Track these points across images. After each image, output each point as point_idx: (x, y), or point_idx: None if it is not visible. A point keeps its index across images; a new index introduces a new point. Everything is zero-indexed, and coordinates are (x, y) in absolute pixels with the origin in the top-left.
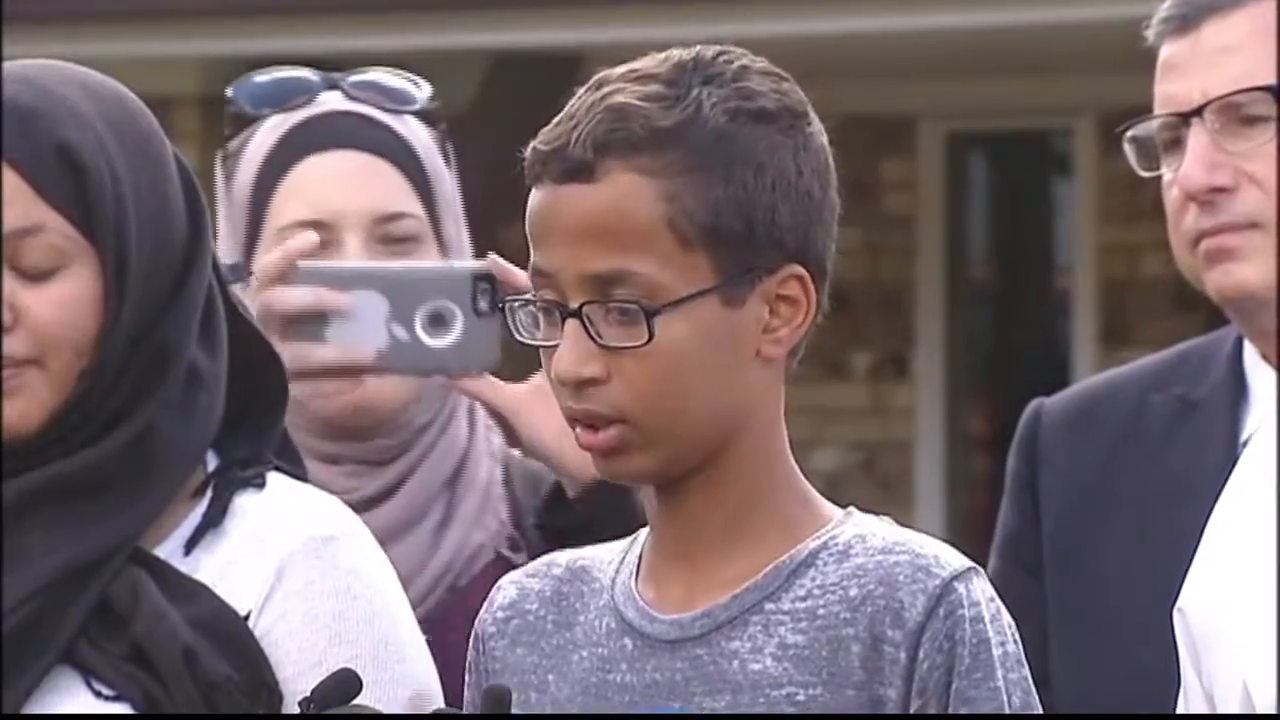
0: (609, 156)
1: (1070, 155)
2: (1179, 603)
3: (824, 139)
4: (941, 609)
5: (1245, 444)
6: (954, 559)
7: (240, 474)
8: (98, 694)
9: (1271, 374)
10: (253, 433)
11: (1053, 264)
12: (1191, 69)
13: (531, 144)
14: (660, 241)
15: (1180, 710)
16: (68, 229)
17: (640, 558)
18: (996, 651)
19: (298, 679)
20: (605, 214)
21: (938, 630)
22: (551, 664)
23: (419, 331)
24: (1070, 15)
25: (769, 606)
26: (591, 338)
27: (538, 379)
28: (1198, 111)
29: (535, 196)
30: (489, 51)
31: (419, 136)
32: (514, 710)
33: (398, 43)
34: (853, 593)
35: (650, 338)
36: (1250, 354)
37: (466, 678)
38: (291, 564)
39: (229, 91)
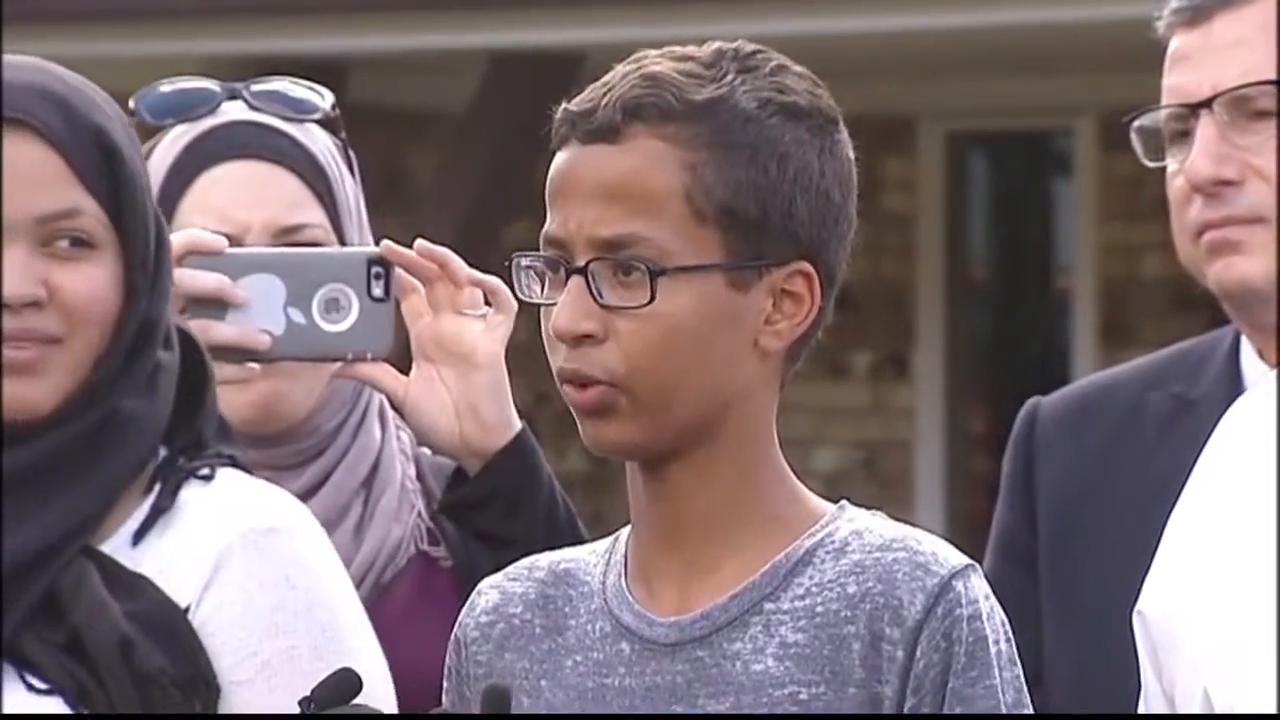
0: (637, 120)
1: (1070, 155)
2: (1139, 605)
3: (850, 150)
4: (940, 607)
5: None
6: (951, 556)
7: (186, 464)
8: (30, 687)
9: (1268, 371)
10: (188, 418)
11: (1053, 264)
12: (1202, 61)
13: (563, 105)
14: (675, 211)
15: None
16: (100, 214)
17: (626, 556)
18: (992, 650)
19: (235, 669)
20: (625, 176)
21: (935, 629)
22: (543, 669)
23: (315, 316)
24: (1070, 15)
25: (768, 606)
26: (593, 295)
27: (424, 368)
28: (1207, 103)
29: (559, 158)
30: (489, 51)
31: (321, 145)
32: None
33: (398, 43)
34: (851, 590)
35: (651, 299)
36: (1247, 352)
37: (445, 683)
38: (230, 555)
39: (131, 103)
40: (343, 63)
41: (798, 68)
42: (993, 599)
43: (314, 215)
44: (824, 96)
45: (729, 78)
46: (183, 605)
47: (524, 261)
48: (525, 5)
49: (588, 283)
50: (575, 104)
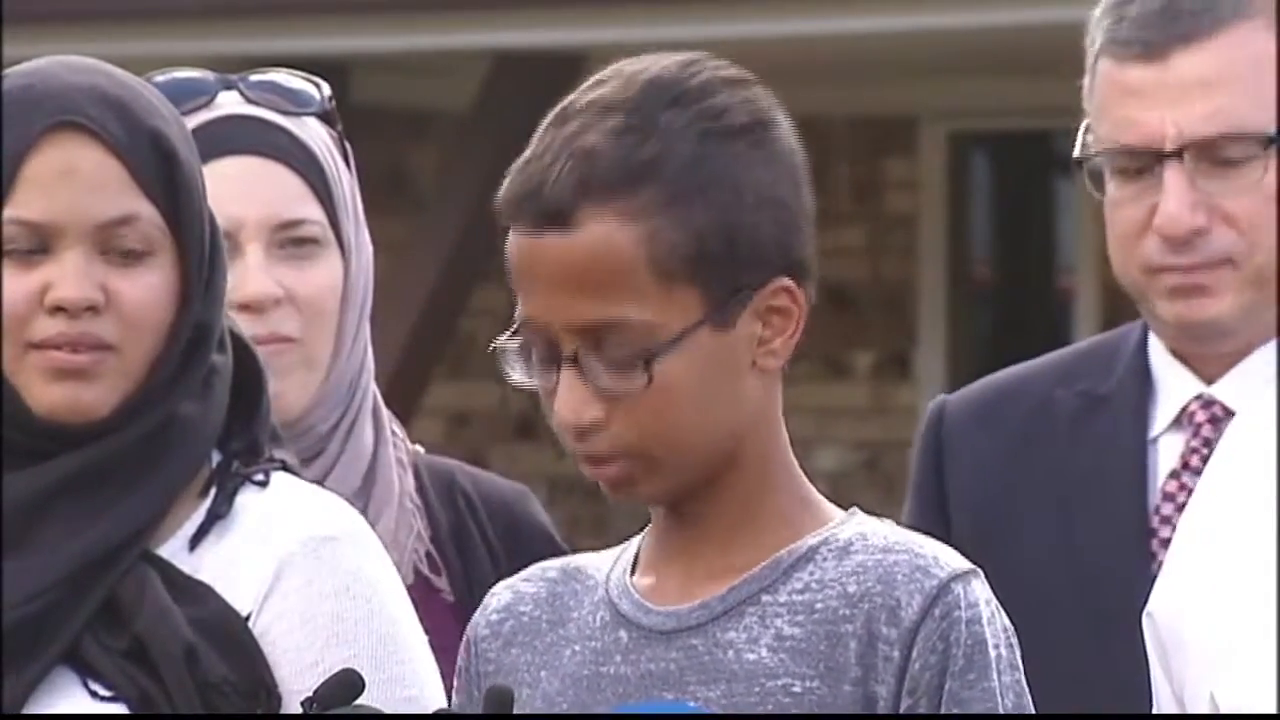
0: (585, 202)
1: (1072, 155)
2: (1148, 606)
3: (792, 139)
4: (937, 609)
5: (1154, 440)
6: (953, 560)
7: (242, 469)
8: (94, 694)
9: (1180, 370)
10: (244, 421)
11: (1055, 264)
12: (1160, 100)
13: (504, 184)
14: (646, 283)
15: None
16: (157, 219)
17: (637, 554)
18: (992, 654)
19: (295, 679)
20: (587, 263)
21: (932, 630)
22: (544, 660)
23: None
24: (1073, 15)
25: (766, 598)
26: (588, 381)
27: None
28: (1177, 154)
29: (514, 241)
30: (490, 51)
31: (317, 139)
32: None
33: (398, 43)
34: (851, 589)
35: (649, 382)
36: (1156, 349)
37: (455, 682)
38: (291, 564)
39: None
40: (344, 63)
41: (724, 72)
42: (994, 604)
43: (311, 211)
44: (756, 97)
45: (660, 121)
46: (243, 613)
47: (506, 344)
48: (526, 6)
49: (580, 372)
50: (516, 184)
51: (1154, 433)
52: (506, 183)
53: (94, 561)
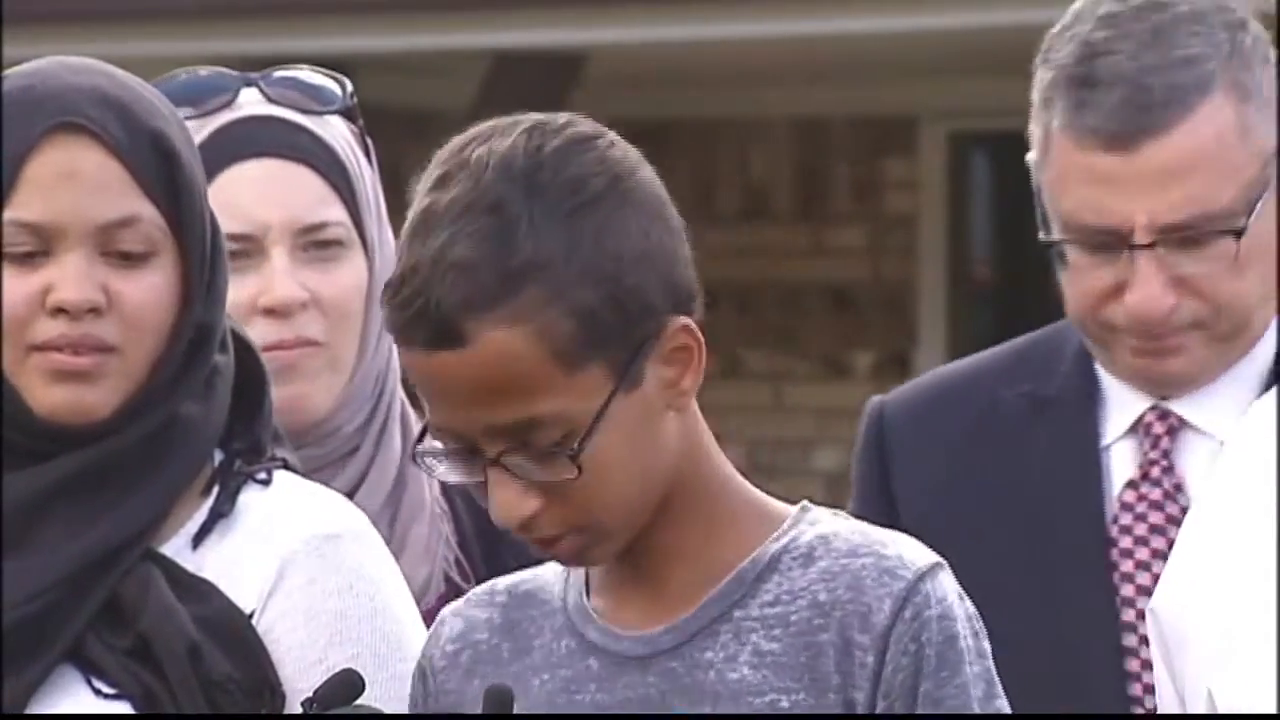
0: (471, 317)
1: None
2: (1151, 602)
3: (647, 173)
4: (908, 611)
5: (1107, 448)
6: (917, 557)
7: (245, 468)
8: (98, 692)
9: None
10: (246, 421)
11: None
12: (1130, 190)
13: (384, 301)
14: (551, 376)
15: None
16: (158, 219)
17: (586, 573)
18: (961, 645)
19: (298, 677)
20: (489, 374)
21: (903, 633)
22: (513, 690)
23: None
24: None
25: (737, 614)
26: (519, 476)
27: None
28: (1150, 245)
29: (409, 358)
30: (490, 51)
31: (339, 137)
32: None
33: (398, 43)
34: (822, 598)
35: (580, 472)
36: None
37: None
38: (294, 562)
39: None
40: (344, 63)
41: (570, 130)
42: (960, 594)
43: (335, 213)
44: (606, 152)
45: (524, 216)
46: (246, 611)
47: (425, 451)
48: (526, 6)
49: (506, 470)
50: (397, 305)
51: (1106, 440)
52: (387, 304)
53: (95, 561)
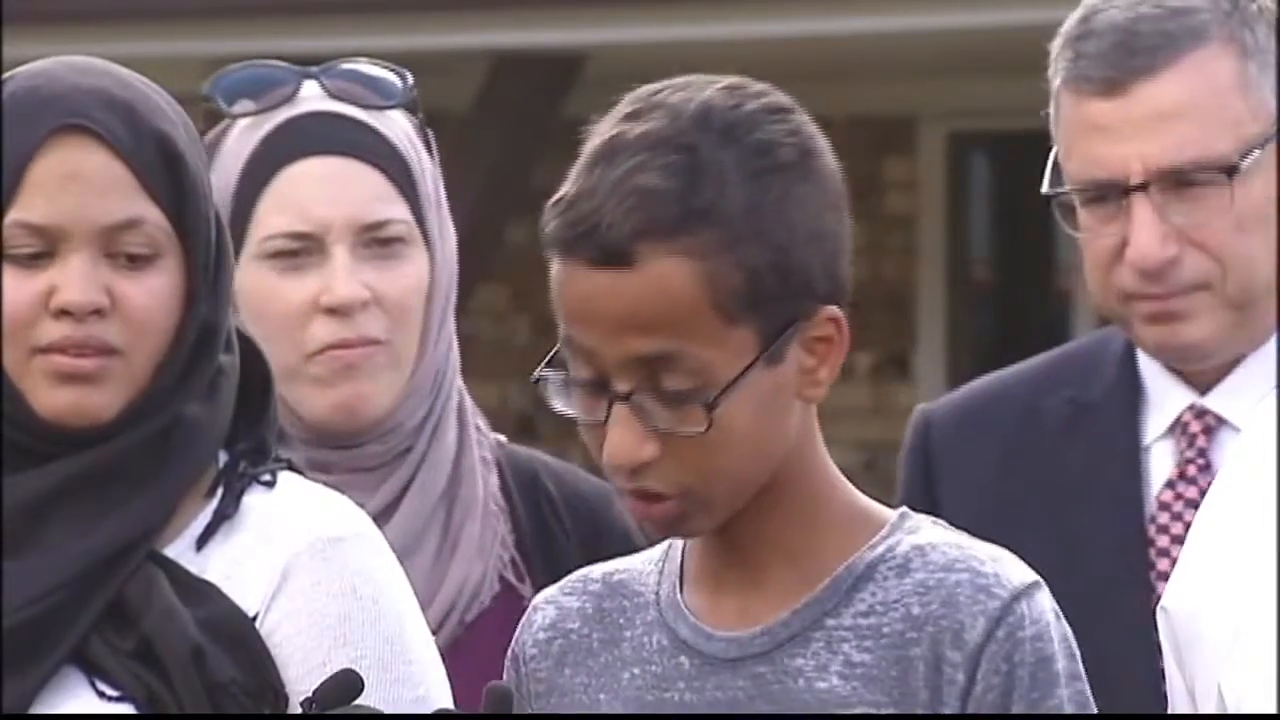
0: (646, 242)
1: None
2: (1163, 601)
3: (832, 162)
4: (1001, 631)
5: (1147, 448)
6: (1014, 575)
7: (250, 469)
8: (101, 694)
9: (1170, 379)
10: (251, 422)
11: (1054, 264)
12: (1124, 134)
13: (549, 217)
14: (705, 321)
15: (1172, 708)
16: (163, 221)
17: (681, 566)
18: (1055, 667)
19: (302, 680)
20: (649, 300)
21: (995, 653)
22: (601, 683)
23: None
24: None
25: (830, 622)
26: (644, 419)
27: None
28: (1143, 186)
29: (565, 275)
30: (490, 51)
31: (401, 133)
32: None
33: (398, 43)
34: (915, 611)
35: (709, 426)
36: (1144, 356)
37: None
38: (298, 564)
39: (204, 87)
40: None
41: (766, 99)
42: (1058, 614)
43: (396, 210)
44: (800, 127)
45: (714, 159)
46: (250, 613)
47: (547, 378)
48: (526, 6)
49: (634, 409)
50: (568, 221)
51: (1146, 440)
52: (553, 218)
53: (99, 563)
